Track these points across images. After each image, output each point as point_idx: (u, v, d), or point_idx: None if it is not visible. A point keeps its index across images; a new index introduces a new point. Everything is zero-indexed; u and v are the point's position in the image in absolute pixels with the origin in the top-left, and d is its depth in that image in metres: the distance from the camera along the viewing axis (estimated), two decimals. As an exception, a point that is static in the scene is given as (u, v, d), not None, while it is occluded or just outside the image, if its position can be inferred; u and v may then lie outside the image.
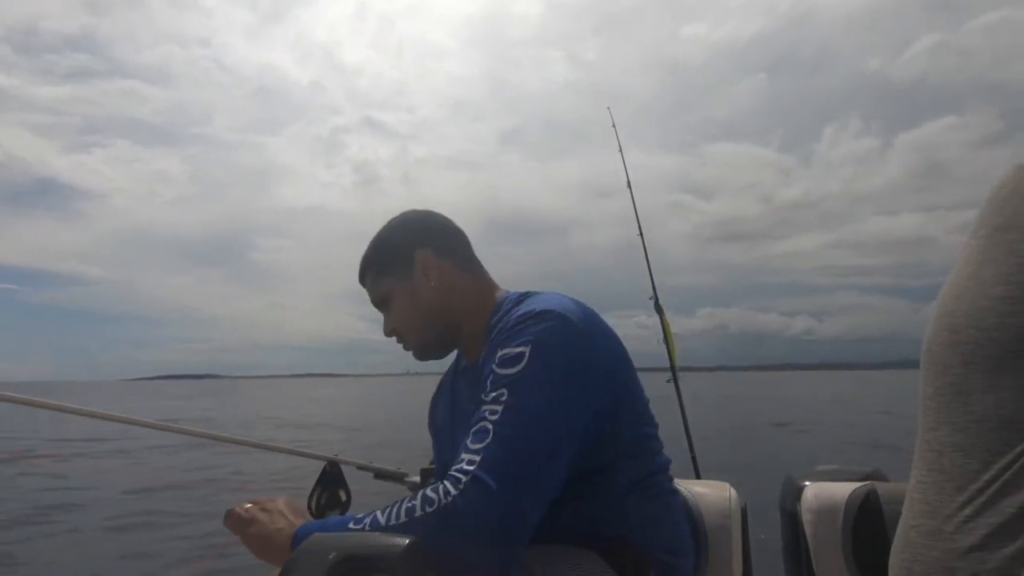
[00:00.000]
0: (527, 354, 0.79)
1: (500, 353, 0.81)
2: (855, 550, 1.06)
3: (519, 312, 0.87)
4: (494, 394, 0.77)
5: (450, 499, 0.70)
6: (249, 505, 0.84)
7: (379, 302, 1.04)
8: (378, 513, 0.73)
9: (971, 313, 0.57)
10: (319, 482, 1.40)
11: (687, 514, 1.16)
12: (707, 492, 1.21)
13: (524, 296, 0.96)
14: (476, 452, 0.73)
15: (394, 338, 1.04)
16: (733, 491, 1.21)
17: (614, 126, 3.09)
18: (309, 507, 1.33)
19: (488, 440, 0.73)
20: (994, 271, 0.57)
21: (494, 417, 0.75)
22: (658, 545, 0.87)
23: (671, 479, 0.95)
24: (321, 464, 1.48)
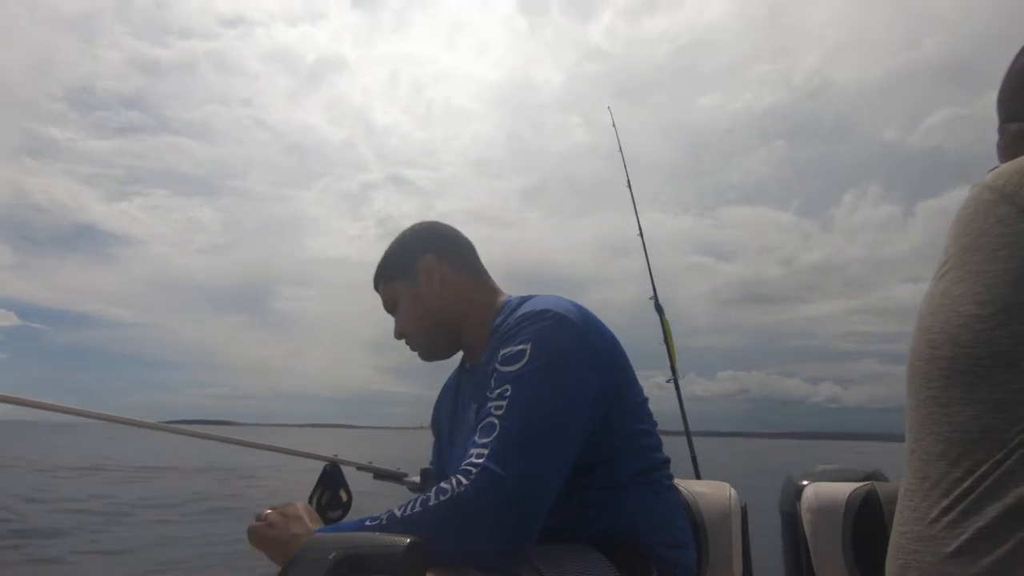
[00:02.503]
0: (528, 351, 0.82)
1: (502, 352, 0.84)
2: (855, 550, 1.06)
3: (520, 313, 0.90)
4: (498, 391, 0.80)
5: (462, 489, 0.72)
6: (268, 511, 0.85)
7: (389, 307, 1.09)
8: (395, 510, 0.75)
9: (946, 330, 0.61)
10: (320, 482, 1.40)
11: (687, 515, 1.16)
12: (707, 492, 1.21)
13: (525, 299, 0.98)
14: (484, 446, 0.75)
15: (403, 340, 1.07)
16: (733, 491, 1.21)
17: (614, 125, 3.09)
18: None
19: (495, 434, 0.76)
20: (964, 290, 0.61)
21: (499, 412, 0.78)
22: (660, 540, 0.88)
23: (670, 476, 0.96)
24: (321, 465, 1.48)
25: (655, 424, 0.96)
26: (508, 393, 0.79)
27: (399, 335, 1.07)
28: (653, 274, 2.72)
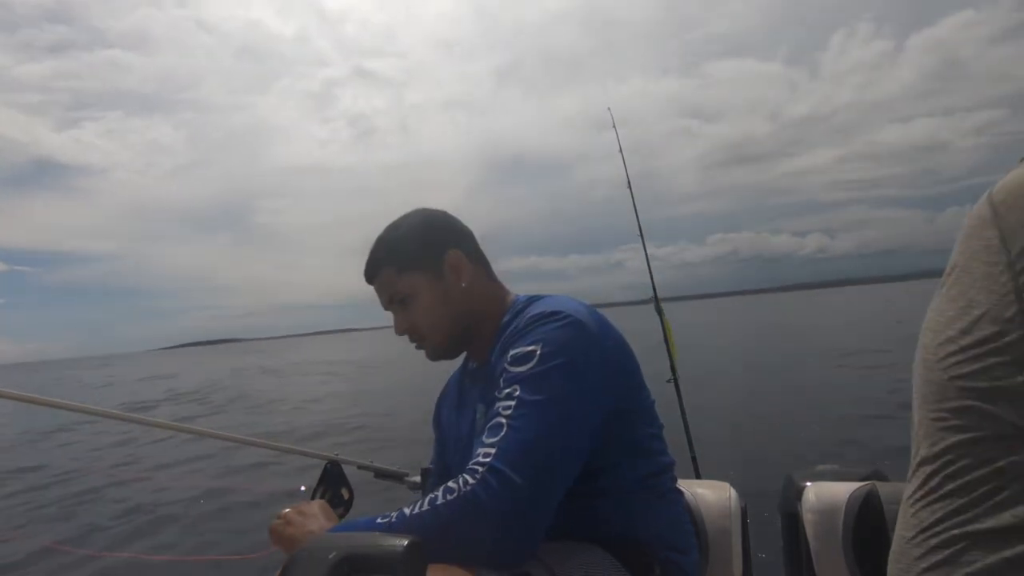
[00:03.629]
0: (538, 352, 0.81)
1: (512, 352, 0.84)
2: (855, 550, 1.06)
3: (530, 313, 0.89)
4: (507, 391, 0.80)
5: (469, 488, 0.72)
6: (287, 510, 0.87)
7: (396, 300, 1.01)
8: (404, 509, 0.76)
9: (937, 351, 0.61)
10: (321, 481, 1.40)
11: (688, 514, 1.16)
12: (707, 492, 1.21)
13: (533, 298, 0.98)
14: (492, 445, 0.75)
15: (405, 336, 1.03)
16: (733, 491, 1.22)
17: (614, 126, 3.09)
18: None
19: (503, 433, 0.76)
20: (951, 314, 0.61)
21: (507, 412, 0.78)
22: (664, 543, 0.88)
23: (675, 479, 0.96)
24: (322, 463, 1.48)
25: (661, 427, 0.96)
26: (517, 394, 0.79)
27: (404, 331, 1.02)
28: (652, 271, 2.73)
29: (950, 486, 0.63)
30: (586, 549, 0.82)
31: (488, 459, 0.74)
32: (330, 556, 0.49)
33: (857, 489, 1.10)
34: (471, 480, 0.73)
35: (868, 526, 1.06)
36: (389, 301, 1.02)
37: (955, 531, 0.61)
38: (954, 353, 0.60)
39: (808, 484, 1.17)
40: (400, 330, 1.02)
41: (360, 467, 1.63)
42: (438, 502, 0.73)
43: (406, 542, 0.50)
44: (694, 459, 2.41)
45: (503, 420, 0.77)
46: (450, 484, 0.75)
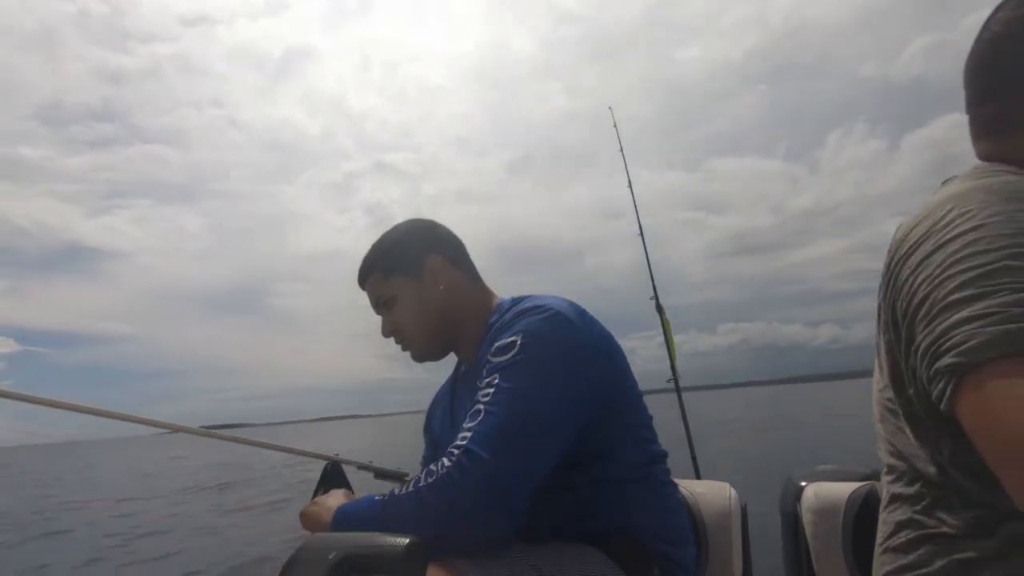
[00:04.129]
0: (518, 343, 0.83)
1: (495, 345, 0.86)
2: (855, 550, 1.06)
3: (514, 309, 0.91)
4: (488, 379, 0.82)
5: (445, 470, 0.75)
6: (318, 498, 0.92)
7: (382, 303, 1.05)
8: (395, 490, 0.79)
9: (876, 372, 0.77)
10: (321, 481, 1.40)
11: (688, 514, 1.16)
12: (707, 492, 1.21)
13: (518, 300, 0.99)
14: (469, 430, 0.78)
15: (392, 339, 1.07)
16: (733, 491, 1.22)
17: (615, 126, 3.09)
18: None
19: (480, 418, 0.78)
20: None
21: (486, 399, 0.80)
22: (659, 536, 0.88)
23: (668, 471, 0.96)
24: (322, 464, 1.48)
25: (650, 417, 0.97)
26: (496, 381, 0.81)
27: (390, 333, 1.06)
28: (653, 272, 2.72)
29: (908, 491, 0.72)
30: (582, 550, 0.82)
31: (464, 442, 0.76)
32: (330, 556, 0.49)
33: (857, 489, 1.10)
34: (447, 463, 0.75)
35: (867, 526, 1.06)
36: (376, 304, 1.07)
37: (913, 535, 0.69)
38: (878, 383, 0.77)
39: (808, 484, 1.17)
40: (385, 332, 1.06)
41: (360, 467, 1.63)
42: (420, 484, 0.76)
43: (407, 541, 0.50)
44: (694, 459, 2.41)
45: (481, 406, 0.79)
46: (431, 467, 0.77)
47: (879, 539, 0.78)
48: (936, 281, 0.59)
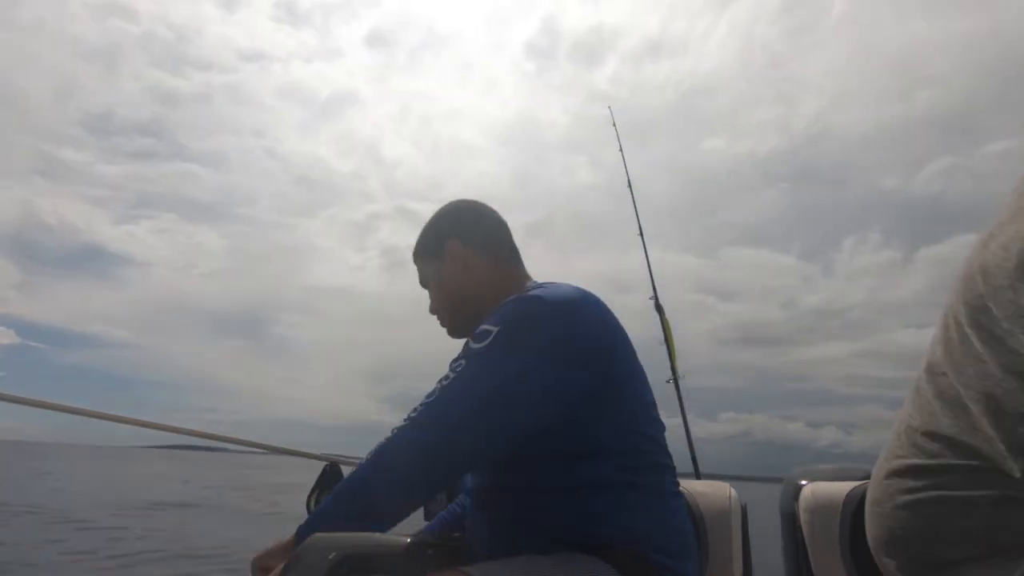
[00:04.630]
0: (494, 332, 0.84)
1: (479, 329, 0.87)
2: (853, 550, 1.06)
3: (517, 296, 0.91)
4: (455, 363, 0.84)
5: (384, 441, 0.80)
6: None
7: (421, 282, 1.14)
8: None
9: None
10: (319, 483, 1.40)
11: (687, 514, 1.16)
12: (707, 492, 1.21)
13: (537, 286, 0.98)
14: (419, 407, 0.81)
15: (435, 316, 1.13)
16: (733, 491, 1.22)
17: (614, 125, 3.10)
18: (308, 507, 1.33)
19: (431, 399, 0.81)
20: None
21: (446, 382, 0.82)
22: (662, 547, 0.86)
23: (676, 483, 0.94)
24: (321, 465, 1.48)
25: (660, 429, 0.94)
26: (460, 366, 0.83)
27: (432, 311, 1.13)
28: (653, 275, 2.73)
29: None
30: (587, 561, 0.80)
31: (406, 418, 0.81)
32: (330, 556, 0.49)
33: (854, 488, 1.10)
34: (388, 435, 0.80)
35: (865, 525, 1.06)
36: (421, 284, 1.15)
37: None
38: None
39: (807, 484, 1.17)
40: (430, 310, 1.14)
41: (360, 468, 1.63)
42: (367, 459, 0.80)
43: (407, 541, 0.50)
44: (694, 459, 2.41)
45: (436, 388, 0.82)
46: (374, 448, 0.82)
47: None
48: None
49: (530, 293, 0.89)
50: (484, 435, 0.81)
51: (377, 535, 0.54)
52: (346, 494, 0.80)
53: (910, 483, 0.70)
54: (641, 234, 2.86)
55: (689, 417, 2.53)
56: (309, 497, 1.38)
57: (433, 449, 0.78)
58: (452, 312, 1.09)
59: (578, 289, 0.91)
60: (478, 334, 0.86)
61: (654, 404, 0.96)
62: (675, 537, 0.88)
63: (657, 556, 0.84)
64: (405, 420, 0.81)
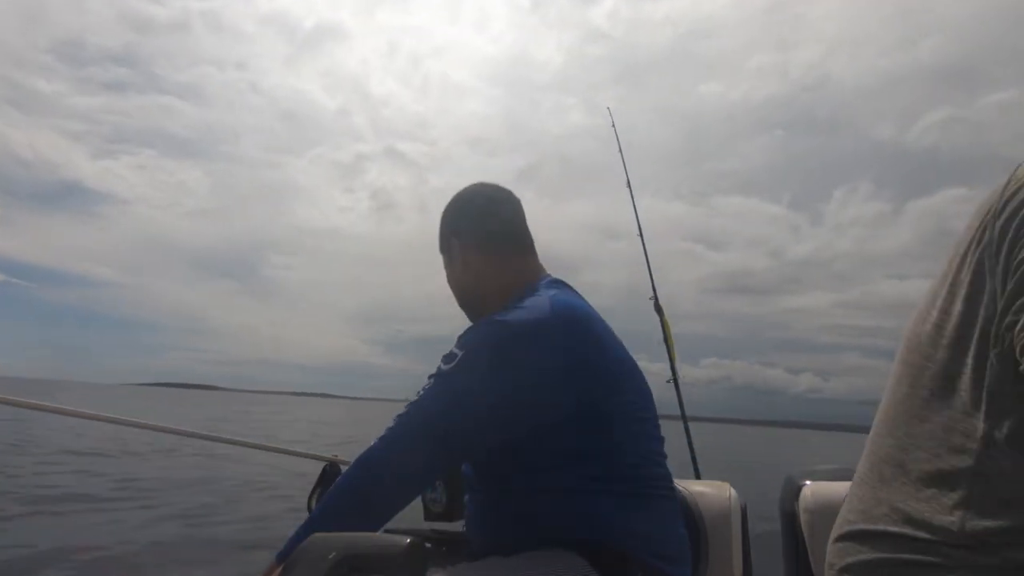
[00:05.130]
0: (458, 357, 0.89)
1: (449, 351, 0.92)
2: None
3: (487, 318, 0.95)
4: (427, 382, 0.90)
5: (348, 468, 0.87)
6: None
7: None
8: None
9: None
10: (319, 482, 1.40)
11: (687, 514, 1.16)
12: (707, 492, 1.21)
13: (532, 290, 1.01)
14: (392, 422, 0.88)
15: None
16: (733, 491, 1.22)
17: (613, 126, 3.09)
18: (309, 507, 1.33)
19: (398, 418, 0.88)
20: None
21: (413, 401, 0.88)
22: (651, 549, 0.87)
23: (671, 489, 0.96)
24: (321, 465, 1.48)
25: (653, 433, 0.96)
26: (427, 388, 0.89)
27: None
28: (653, 274, 2.73)
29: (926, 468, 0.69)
30: (559, 556, 0.83)
31: (374, 440, 0.87)
32: (330, 556, 0.49)
33: (855, 488, 1.10)
34: (356, 459, 0.87)
35: None
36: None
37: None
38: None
39: (807, 483, 1.17)
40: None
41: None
42: (333, 488, 0.87)
43: (407, 541, 0.50)
44: (694, 459, 2.41)
45: (404, 408, 0.89)
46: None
47: (845, 519, 0.77)
48: None
49: (497, 316, 0.92)
50: (445, 451, 0.88)
51: (377, 535, 0.54)
52: (324, 509, 0.86)
53: (855, 546, 0.73)
54: (641, 234, 2.86)
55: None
56: (310, 497, 1.38)
57: (392, 466, 0.85)
58: (461, 304, 1.15)
59: (553, 306, 0.92)
60: (445, 356, 0.91)
61: (648, 408, 0.97)
62: (667, 540, 0.90)
63: (649, 558, 0.86)
64: (384, 431, 0.87)
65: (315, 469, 1.47)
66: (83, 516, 5.66)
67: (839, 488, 1.12)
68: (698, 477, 2.25)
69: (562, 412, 0.88)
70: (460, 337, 0.93)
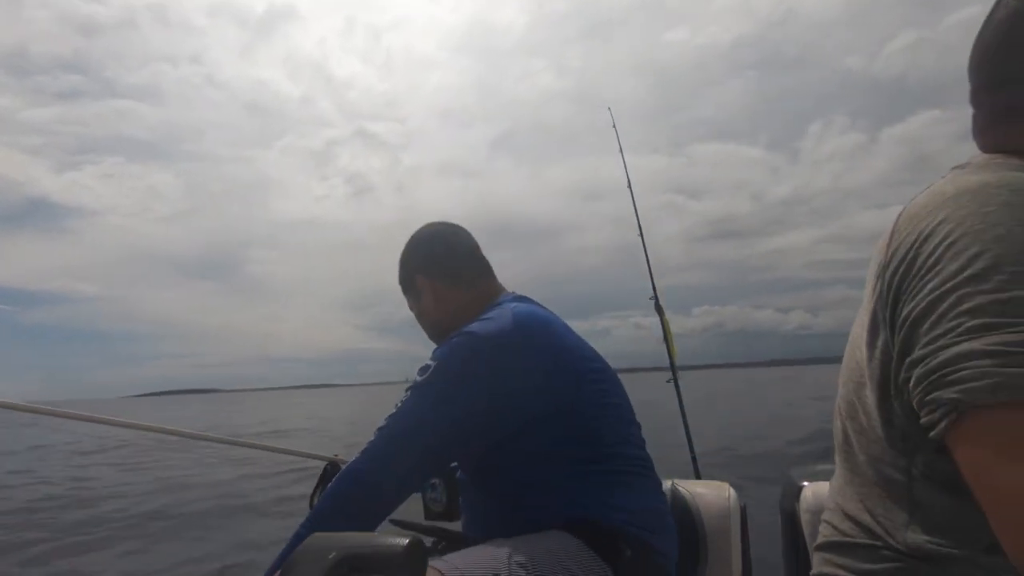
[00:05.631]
0: (432, 368, 0.95)
1: (422, 365, 0.98)
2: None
3: (456, 331, 1.00)
4: (404, 395, 0.95)
5: (335, 481, 0.90)
6: None
7: (411, 309, 1.27)
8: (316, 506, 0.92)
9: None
10: (320, 482, 1.41)
11: (686, 515, 1.16)
12: (707, 492, 1.21)
13: (492, 308, 1.08)
14: (374, 434, 0.92)
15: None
16: (732, 491, 1.22)
17: (614, 126, 3.10)
18: (311, 506, 1.34)
19: (379, 431, 0.92)
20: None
21: (392, 413, 0.93)
22: (633, 521, 0.94)
23: (645, 467, 1.02)
24: (322, 464, 1.48)
25: (628, 423, 1.04)
26: (405, 400, 0.94)
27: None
28: (653, 273, 2.73)
29: (864, 492, 0.75)
30: (553, 536, 0.89)
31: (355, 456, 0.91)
32: (330, 556, 0.49)
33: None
34: (337, 476, 0.91)
35: None
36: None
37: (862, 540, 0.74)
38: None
39: (807, 484, 1.17)
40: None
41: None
42: (327, 491, 0.90)
43: (407, 541, 0.50)
44: (694, 459, 2.41)
45: (384, 421, 0.92)
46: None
47: (822, 535, 0.80)
48: (948, 294, 0.54)
49: (466, 329, 0.99)
50: (426, 459, 0.93)
51: (377, 535, 0.54)
52: (314, 516, 0.89)
53: (831, 556, 0.76)
54: (641, 234, 2.86)
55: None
56: (312, 496, 1.38)
57: (377, 477, 0.89)
58: (437, 339, 1.20)
59: (515, 315, 1.00)
60: (421, 369, 0.97)
61: (620, 395, 1.05)
62: (651, 514, 0.97)
63: (629, 529, 0.93)
64: (367, 444, 0.92)
65: (316, 469, 1.47)
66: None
67: (839, 488, 1.12)
68: (698, 477, 2.25)
69: (539, 409, 0.95)
70: (434, 351, 0.99)
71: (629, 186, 2.91)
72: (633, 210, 2.90)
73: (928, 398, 0.54)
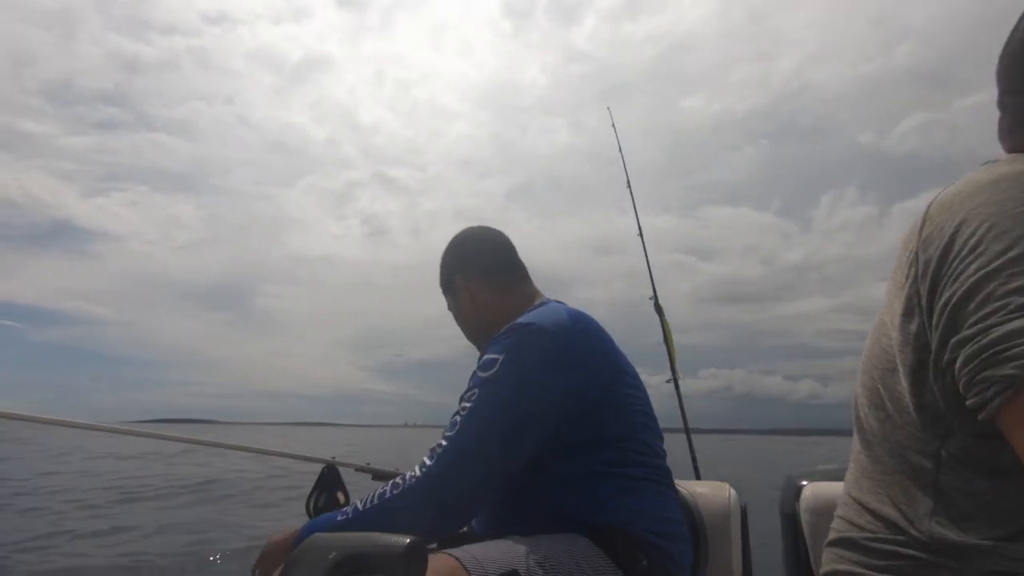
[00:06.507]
0: (500, 361, 0.93)
1: (483, 358, 0.96)
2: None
3: (512, 323, 1.00)
4: (469, 393, 0.93)
5: (407, 484, 0.86)
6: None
7: (450, 310, 1.28)
8: (357, 502, 0.89)
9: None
10: (317, 484, 1.40)
11: (687, 515, 1.16)
12: (707, 492, 1.21)
13: (539, 306, 1.10)
14: (444, 439, 0.89)
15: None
16: (733, 491, 1.21)
17: (613, 126, 3.10)
18: (308, 509, 1.33)
19: (453, 432, 0.89)
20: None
21: (464, 412, 0.90)
22: (651, 529, 0.93)
23: (671, 484, 1.01)
24: (319, 467, 1.48)
25: (655, 433, 1.03)
26: (475, 396, 0.91)
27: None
28: (653, 275, 2.73)
29: (886, 481, 0.75)
30: (571, 538, 0.88)
31: (429, 456, 0.88)
32: (330, 556, 0.49)
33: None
34: (408, 475, 0.87)
35: None
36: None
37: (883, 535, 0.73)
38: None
39: (807, 483, 1.17)
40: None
41: (358, 469, 1.63)
42: (386, 496, 0.87)
43: (407, 541, 0.50)
44: (694, 459, 2.40)
45: (458, 419, 0.90)
46: (396, 480, 0.88)
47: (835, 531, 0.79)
48: (995, 274, 0.54)
49: (524, 320, 0.99)
50: (511, 456, 0.90)
51: (377, 535, 0.54)
52: (381, 513, 0.86)
53: (844, 553, 0.76)
54: (641, 235, 2.87)
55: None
56: (309, 499, 1.37)
57: (452, 497, 0.86)
58: (474, 338, 1.22)
59: (569, 312, 1.02)
60: (484, 363, 0.94)
61: (650, 409, 1.05)
62: (669, 522, 0.97)
63: (646, 536, 0.92)
64: (426, 458, 0.88)
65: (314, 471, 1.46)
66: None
67: (839, 488, 1.12)
68: (698, 477, 2.24)
69: (584, 405, 0.95)
70: (493, 344, 0.98)
71: (628, 186, 2.91)
72: (634, 212, 2.90)
73: (980, 376, 0.54)
